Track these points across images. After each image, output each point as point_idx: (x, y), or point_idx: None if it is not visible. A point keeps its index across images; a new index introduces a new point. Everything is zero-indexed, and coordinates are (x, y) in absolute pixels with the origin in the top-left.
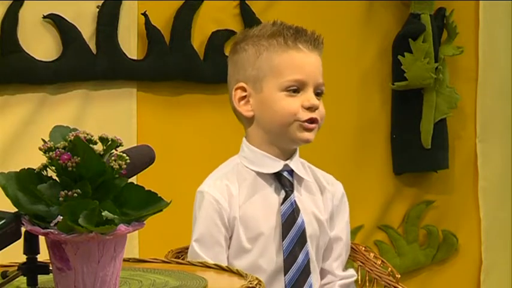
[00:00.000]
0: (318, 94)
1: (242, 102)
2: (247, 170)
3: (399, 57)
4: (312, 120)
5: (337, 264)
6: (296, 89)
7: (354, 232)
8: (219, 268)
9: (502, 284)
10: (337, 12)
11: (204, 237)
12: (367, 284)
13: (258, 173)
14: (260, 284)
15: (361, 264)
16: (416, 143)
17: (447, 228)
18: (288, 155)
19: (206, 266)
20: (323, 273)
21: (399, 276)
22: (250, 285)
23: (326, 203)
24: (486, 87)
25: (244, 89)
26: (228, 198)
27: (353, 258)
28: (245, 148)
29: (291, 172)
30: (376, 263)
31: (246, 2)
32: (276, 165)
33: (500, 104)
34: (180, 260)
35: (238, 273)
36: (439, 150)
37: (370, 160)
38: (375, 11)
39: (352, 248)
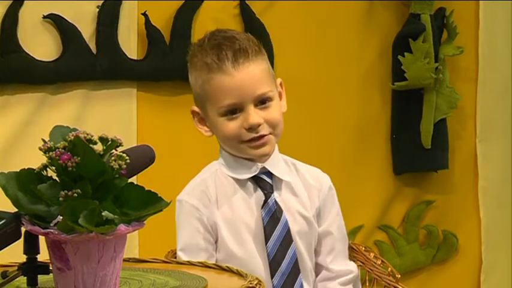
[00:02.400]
0: (263, 103)
1: (200, 124)
2: (225, 176)
3: (399, 57)
4: (257, 138)
5: (331, 259)
6: (233, 110)
7: (354, 232)
8: (219, 268)
9: (502, 284)
10: (337, 12)
11: (188, 246)
12: (367, 284)
13: (236, 180)
14: (260, 284)
15: (361, 264)
16: (416, 143)
17: (447, 228)
18: (265, 157)
19: (206, 266)
20: (318, 268)
21: (399, 276)
22: (250, 285)
23: (312, 199)
24: (486, 87)
25: (197, 113)
26: (206, 204)
27: (353, 258)
28: (222, 153)
29: (270, 173)
30: (376, 263)
31: (246, 2)
32: (251, 169)
33: (500, 104)
34: (180, 260)
35: (238, 273)
36: (439, 150)
37: (370, 160)
38: (375, 11)
39: (352, 248)
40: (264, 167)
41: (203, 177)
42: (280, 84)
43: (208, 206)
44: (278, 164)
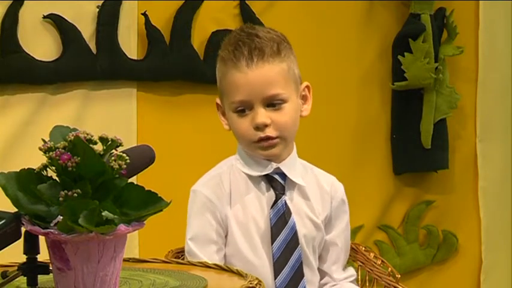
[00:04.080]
0: (274, 105)
1: (222, 117)
2: (240, 172)
3: (399, 57)
4: (264, 139)
5: (336, 268)
6: (243, 109)
7: (354, 232)
8: (219, 268)
9: (502, 284)
10: (337, 12)
11: (198, 236)
12: (367, 284)
13: (250, 176)
14: (260, 284)
15: (361, 264)
16: (416, 143)
17: (447, 228)
18: (280, 158)
19: (206, 266)
20: (321, 273)
21: (399, 276)
22: (250, 285)
23: (324, 204)
24: (486, 87)
25: (219, 106)
26: (220, 197)
27: (353, 258)
28: (239, 149)
29: (284, 175)
30: (376, 263)
31: (246, 2)
32: (266, 167)
33: (500, 104)
34: (180, 260)
35: (238, 273)
36: (439, 150)
37: (370, 160)
38: (375, 11)
39: (352, 248)
40: (278, 168)
41: (219, 171)
42: (307, 87)
43: (222, 199)
44: (294, 166)
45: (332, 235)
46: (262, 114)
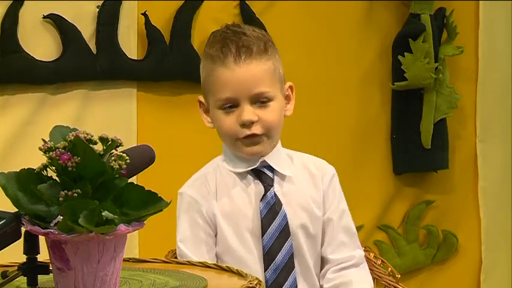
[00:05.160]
0: (262, 102)
1: (205, 114)
2: (227, 170)
3: (399, 57)
4: (250, 136)
5: (332, 249)
6: (230, 105)
7: None
8: (219, 268)
9: (502, 284)
10: (337, 12)
11: (188, 237)
12: None
13: (237, 173)
14: (260, 284)
15: None
16: (416, 143)
17: (447, 228)
18: (265, 152)
19: (206, 266)
20: (322, 261)
21: (399, 276)
22: (250, 285)
23: (317, 188)
24: (486, 87)
25: (203, 104)
26: (205, 196)
27: None
28: (224, 148)
29: (271, 168)
30: (376, 263)
31: (246, 2)
32: (252, 162)
33: (500, 104)
34: (180, 260)
35: (238, 273)
36: (439, 150)
37: (370, 160)
38: (375, 11)
39: None
40: (264, 161)
41: (205, 171)
42: (290, 87)
43: (208, 198)
44: (279, 158)
45: (327, 214)
46: (249, 111)
